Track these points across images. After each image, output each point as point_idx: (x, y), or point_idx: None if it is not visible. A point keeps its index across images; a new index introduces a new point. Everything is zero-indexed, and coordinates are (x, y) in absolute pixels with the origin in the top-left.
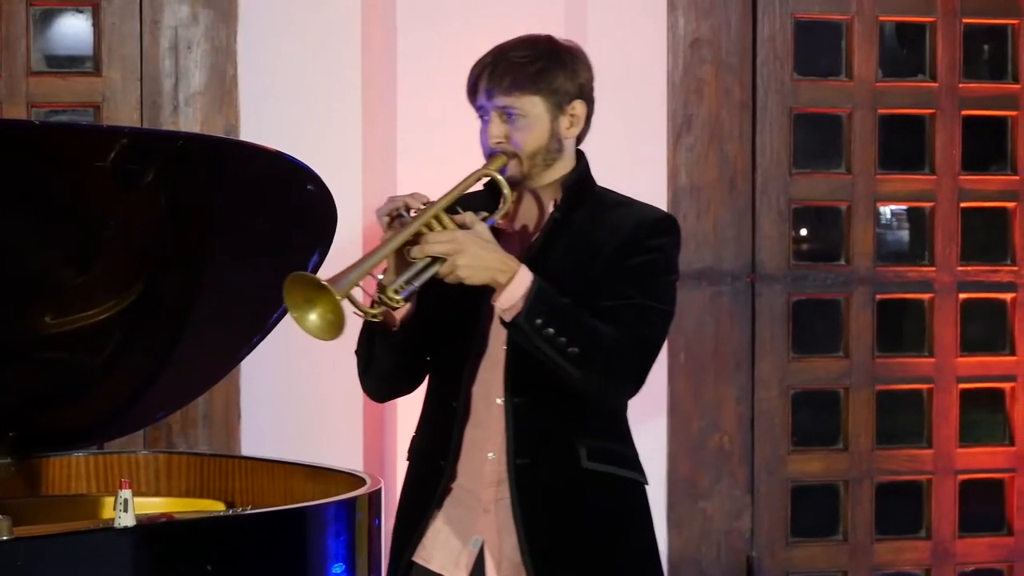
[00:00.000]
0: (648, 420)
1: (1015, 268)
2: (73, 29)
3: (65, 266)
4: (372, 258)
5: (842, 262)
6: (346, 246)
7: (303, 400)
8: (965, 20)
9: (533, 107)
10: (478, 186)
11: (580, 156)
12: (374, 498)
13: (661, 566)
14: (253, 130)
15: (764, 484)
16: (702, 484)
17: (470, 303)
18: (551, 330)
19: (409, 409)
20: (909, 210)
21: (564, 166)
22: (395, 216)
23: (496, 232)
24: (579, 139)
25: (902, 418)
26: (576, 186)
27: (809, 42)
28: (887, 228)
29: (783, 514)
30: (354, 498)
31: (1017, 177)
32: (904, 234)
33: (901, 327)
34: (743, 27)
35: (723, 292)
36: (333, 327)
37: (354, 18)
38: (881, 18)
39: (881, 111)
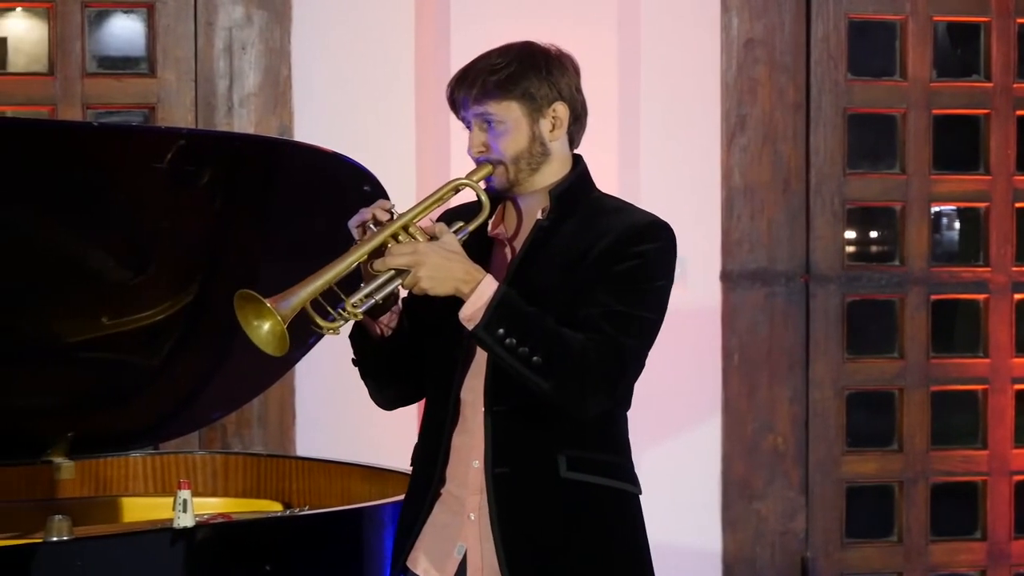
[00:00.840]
0: (702, 421)
1: None
2: (127, 31)
3: (122, 267)
4: (323, 276)
5: (896, 263)
6: None
7: (357, 401)
8: (1020, 20)
9: (509, 112)
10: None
11: (576, 162)
12: None
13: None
14: (307, 131)
15: (818, 485)
16: (756, 485)
17: (456, 309)
18: (512, 340)
19: None
20: (964, 210)
21: (555, 171)
22: (364, 227)
23: (489, 240)
24: (573, 143)
25: (957, 419)
26: (566, 194)
27: (863, 42)
28: (942, 229)
29: (837, 515)
30: None
31: None
32: (958, 234)
33: (956, 328)
34: (797, 27)
35: (777, 293)
36: (280, 343)
37: (408, 18)
38: (935, 18)
39: (935, 111)
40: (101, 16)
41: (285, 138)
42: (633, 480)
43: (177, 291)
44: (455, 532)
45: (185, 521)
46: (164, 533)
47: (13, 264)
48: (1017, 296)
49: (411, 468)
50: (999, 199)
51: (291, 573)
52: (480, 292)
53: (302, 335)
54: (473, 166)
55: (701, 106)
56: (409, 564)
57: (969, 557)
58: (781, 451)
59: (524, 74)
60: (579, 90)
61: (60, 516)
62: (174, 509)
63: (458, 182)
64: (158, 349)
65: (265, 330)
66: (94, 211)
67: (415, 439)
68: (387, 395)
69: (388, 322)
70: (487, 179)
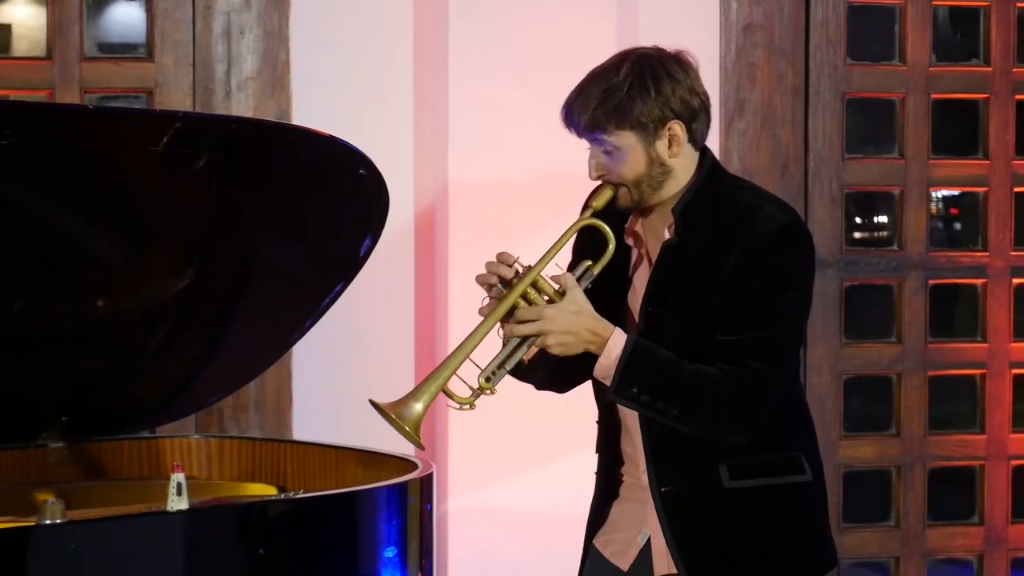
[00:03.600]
0: None
1: None
2: (125, 16)
3: (117, 250)
4: (452, 364)
5: (895, 247)
6: (397, 231)
7: (355, 385)
8: (1020, 4)
9: (622, 140)
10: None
11: (703, 159)
12: (426, 483)
13: (820, 559)
14: (305, 115)
15: None
16: None
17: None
18: (646, 397)
19: None
20: (962, 195)
21: (681, 179)
22: (492, 285)
23: (627, 248)
24: (698, 143)
25: (955, 404)
26: (690, 207)
27: (862, 26)
28: (941, 213)
29: (835, 499)
30: (406, 482)
31: None
32: (957, 219)
33: (954, 312)
34: (796, 12)
35: None
36: (415, 439)
37: (406, 3)
38: (935, 2)
39: (934, 96)
40: (100, 1)
41: (281, 121)
42: (799, 468)
43: (174, 274)
44: (640, 519)
45: (179, 504)
46: (158, 516)
47: (9, 247)
48: (1015, 281)
49: (597, 455)
50: (998, 184)
51: (285, 556)
52: (609, 351)
53: (298, 315)
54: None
55: None
56: (599, 545)
57: (966, 542)
58: None
59: (632, 101)
60: (694, 93)
61: (53, 499)
62: (168, 492)
63: (584, 222)
64: (154, 333)
65: (407, 421)
66: (90, 194)
67: None
68: (542, 387)
69: (532, 354)
70: (610, 201)
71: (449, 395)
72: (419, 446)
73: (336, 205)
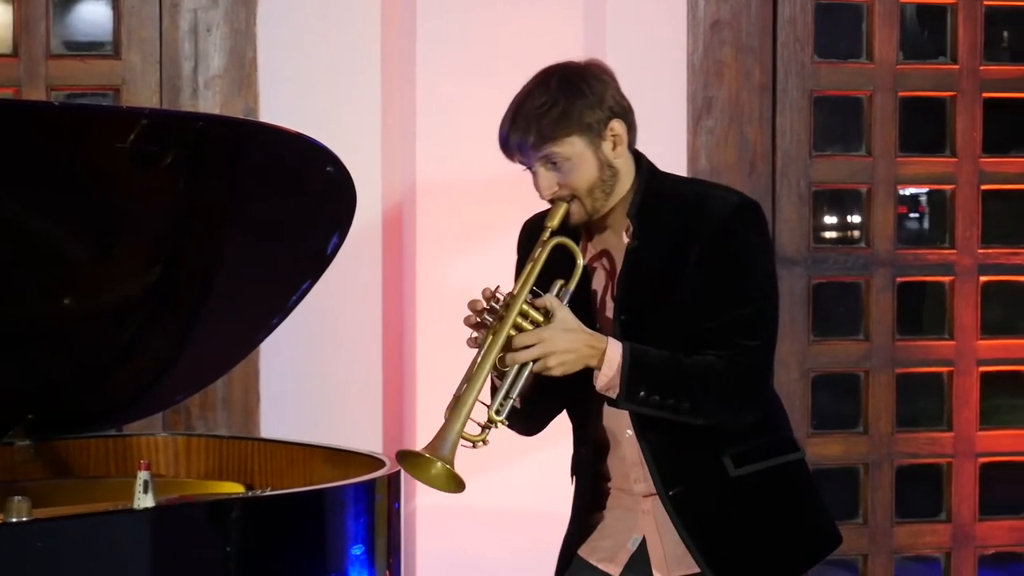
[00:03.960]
0: None
1: None
2: (92, 14)
3: (84, 248)
4: (468, 398)
5: (862, 245)
6: (364, 228)
7: (322, 384)
8: (987, 2)
9: (572, 148)
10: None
11: (639, 162)
12: (393, 480)
13: (830, 534)
14: (272, 113)
15: None
16: None
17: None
18: (656, 397)
19: (427, 394)
20: (930, 193)
21: (625, 182)
22: (479, 323)
23: (584, 273)
24: (631, 144)
25: (922, 401)
26: (643, 208)
27: (829, 24)
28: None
29: None
30: (374, 480)
31: None
32: (924, 216)
33: (921, 310)
34: (763, 9)
35: None
36: (457, 482)
37: (374, 1)
38: (902, 0)
39: (902, 94)
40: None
41: (248, 118)
42: (794, 447)
43: (141, 272)
44: (630, 525)
45: (146, 502)
46: (124, 514)
47: None
48: (982, 278)
49: (574, 479)
50: (965, 181)
51: (253, 554)
52: (609, 361)
53: (266, 313)
54: (542, 205)
55: (667, 88)
56: (583, 554)
57: (934, 539)
58: None
59: (573, 105)
60: (621, 94)
61: (19, 497)
62: (135, 490)
63: (554, 242)
64: (122, 331)
65: (438, 475)
66: (57, 192)
67: (380, 423)
68: (528, 424)
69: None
70: (564, 217)
71: (464, 435)
72: (456, 490)
73: (304, 203)
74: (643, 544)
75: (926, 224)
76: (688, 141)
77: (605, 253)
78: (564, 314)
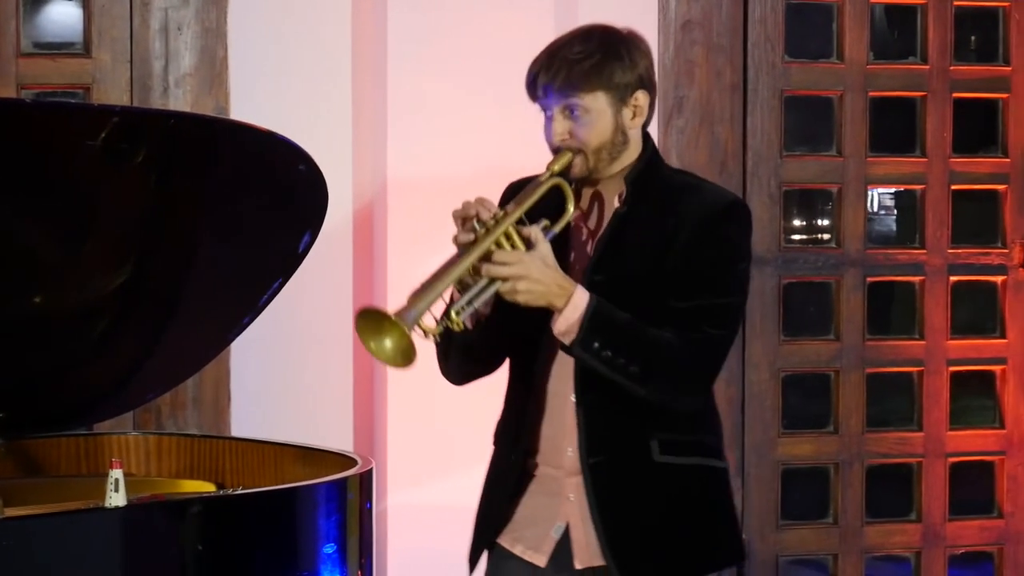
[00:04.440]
0: None
1: (1005, 251)
2: (62, 16)
3: (55, 246)
4: (442, 281)
5: (833, 245)
6: (336, 227)
7: (293, 383)
8: (956, 2)
9: (595, 102)
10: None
11: (646, 142)
12: (365, 479)
13: (737, 548)
14: (243, 112)
15: (754, 467)
16: None
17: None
18: (608, 352)
19: (397, 393)
20: (900, 193)
21: (630, 155)
22: (466, 220)
23: (567, 228)
24: (646, 124)
25: (892, 401)
26: (640, 178)
27: (800, 24)
28: (879, 211)
29: (773, 497)
30: (345, 479)
31: (1007, 160)
32: (894, 216)
33: (892, 310)
34: (734, 9)
35: None
36: (406, 355)
37: (344, 0)
38: (872, 0)
39: (872, 93)
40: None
41: (221, 117)
42: (721, 456)
43: (111, 270)
44: (553, 512)
45: (117, 500)
46: (95, 512)
47: None
48: (952, 278)
49: (494, 446)
50: (935, 181)
51: (224, 553)
52: (574, 306)
53: (237, 311)
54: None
55: None
56: (506, 544)
57: (904, 539)
58: None
59: (609, 63)
60: (653, 71)
61: None
62: (106, 489)
63: (553, 182)
64: (92, 329)
65: (390, 346)
66: (27, 189)
67: (351, 422)
68: (464, 371)
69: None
70: (566, 167)
71: (419, 323)
72: (405, 364)
73: (275, 201)
74: (567, 532)
75: (896, 224)
76: (660, 140)
77: (592, 216)
78: (545, 248)
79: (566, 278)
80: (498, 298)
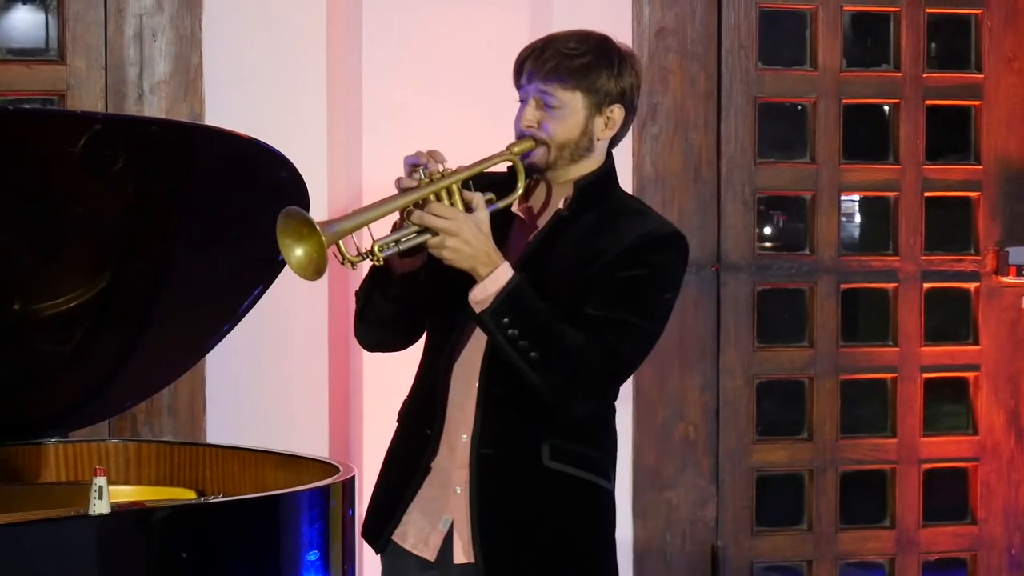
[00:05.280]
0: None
1: (978, 258)
2: (36, 19)
3: (33, 253)
4: (371, 212)
5: (807, 251)
6: None
7: (268, 391)
8: (929, 10)
9: (573, 99)
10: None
11: (608, 158)
12: (348, 486)
13: (611, 571)
14: (218, 118)
15: (729, 474)
16: (667, 473)
17: (468, 277)
18: (515, 331)
19: (373, 400)
20: (873, 199)
21: (589, 165)
22: (414, 167)
23: (511, 217)
24: (613, 142)
25: (866, 407)
26: (590, 188)
27: (773, 31)
28: (851, 217)
29: (748, 503)
30: (328, 486)
31: (980, 167)
32: (868, 223)
33: (866, 316)
34: (708, 16)
35: (688, 281)
36: (315, 267)
37: (319, 5)
38: (845, 8)
39: (845, 101)
40: (9, 4)
41: (202, 123)
42: (609, 477)
43: (90, 277)
44: (441, 505)
45: (101, 508)
46: (79, 520)
47: None
48: (926, 285)
49: (398, 424)
50: (908, 188)
51: (209, 560)
52: (495, 277)
53: (216, 319)
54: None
55: None
56: (396, 539)
57: (878, 545)
58: (692, 440)
59: (598, 67)
60: (638, 92)
61: None
62: (89, 496)
63: (507, 157)
64: (70, 336)
65: (303, 253)
66: (6, 195)
67: (326, 430)
68: (376, 336)
69: (409, 267)
70: (525, 154)
71: (339, 247)
72: (311, 276)
73: (256, 208)
74: (452, 527)
75: (869, 231)
76: (633, 148)
77: (537, 215)
78: (483, 215)
79: (497, 251)
80: (428, 265)
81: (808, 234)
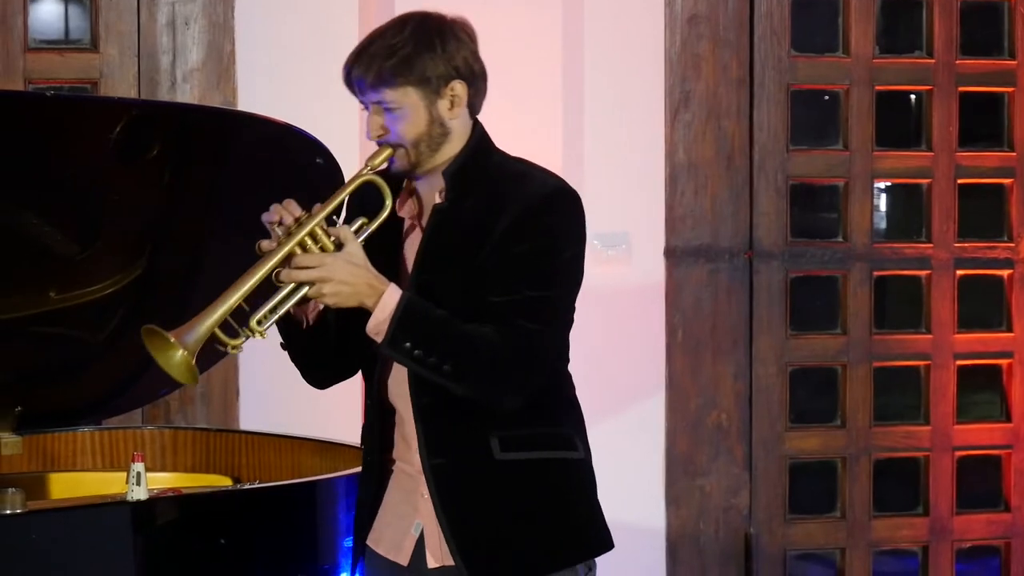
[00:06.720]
0: (646, 398)
1: (1011, 245)
2: (69, 11)
3: (69, 241)
4: (235, 294)
5: (839, 239)
6: None
7: (300, 378)
8: None
9: (405, 97)
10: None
11: (474, 128)
12: None
13: (597, 538)
14: (250, 106)
15: (762, 461)
16: (700, 461)
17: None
18: (419, 352)
19: None
20: (906, 186)
21: (454, 147)
22: (271, 225)
23: (399, 223)
24: (474, 111)
25: (899, 395)
26: (461, 171)
27: (806, 18)
28: (884, 205)
29: (781, 491)
30: None
31: (1013, 154)
32: (901, 211)
33: (898, 304)
34: (740, 3)
35: (721, 269)
36: (192, 374)
37: None
38: None
39: (878, 88)
40: None
41: (238, 109)
42: (572, 446)
43: (125, 265)
44: (411, 510)
45: (139, 494)
46: (119, 506)
47: None
48: (959, 272)
49: (361, 448)
50: (941, 175)
51: (247, 547)
52: (383, 305)
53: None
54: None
55: (645, 82)
56: (371, 543)
57: (911, 532)
58: (725, 427)
59: (419, 55)
60: (476, 58)
61: (13, 489)
62: (127, 482)
63: (364, 178)
64: (106, 324)
65: (174, 364)
66: (43, 183)
67: (357, 415)
68: (316, 376)
69: (312, 310)
70: (388, 162)
71: (217, 338)
72: (189, 382)
73: (291, 194)
74: (423, 533)
75: (903, 218)
76: (666, 134)
77: (422, 215)
78: (354, 248)
79: (378, 277)
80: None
81: (841, 221)
